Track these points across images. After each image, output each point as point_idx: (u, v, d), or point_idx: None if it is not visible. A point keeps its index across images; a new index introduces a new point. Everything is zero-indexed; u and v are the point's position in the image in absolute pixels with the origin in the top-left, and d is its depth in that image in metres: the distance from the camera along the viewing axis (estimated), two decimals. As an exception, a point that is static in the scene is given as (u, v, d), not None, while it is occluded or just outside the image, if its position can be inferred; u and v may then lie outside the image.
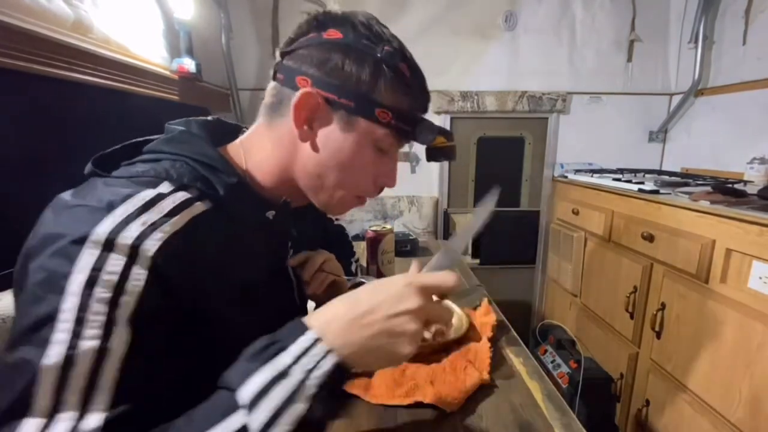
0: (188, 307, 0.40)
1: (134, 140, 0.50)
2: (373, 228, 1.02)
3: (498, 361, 0.63)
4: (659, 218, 1.35)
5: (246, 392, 0.34)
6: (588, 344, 1.78)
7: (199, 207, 0.43)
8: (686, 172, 1.95)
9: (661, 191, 1.40)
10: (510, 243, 2.24)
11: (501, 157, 2.19)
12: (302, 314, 0.41)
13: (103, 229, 0.37)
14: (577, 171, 2.05)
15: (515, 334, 0.73)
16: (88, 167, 0.45)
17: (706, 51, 1.82)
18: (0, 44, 0.73)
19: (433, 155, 0.57)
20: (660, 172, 1.96)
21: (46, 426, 0.32)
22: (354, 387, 0.55)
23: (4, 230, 0.71)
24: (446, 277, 0.42)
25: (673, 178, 1.65)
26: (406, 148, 2.17)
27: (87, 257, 0.35)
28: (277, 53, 0.51)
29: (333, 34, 0.47)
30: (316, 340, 0.37)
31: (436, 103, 2.05)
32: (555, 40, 2.03)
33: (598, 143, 2.15)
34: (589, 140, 2.14)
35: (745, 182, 1.52)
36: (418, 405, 0.52)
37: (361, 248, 1.14)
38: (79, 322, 0.34)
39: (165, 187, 0.42)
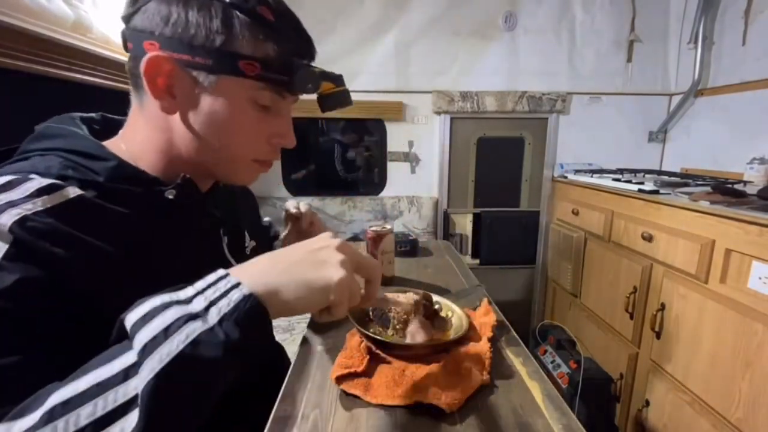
0: (74, 287, 0.37)
1: (12, 146, 0.46)
2: (373, 228, 1.02)
3: (498, 361, 0.63)
4: (659, 218, 1.35)
5: (135, 314, 0.31)
6: (588, 344, 1.78)
7: (69, 192, 0.38)
8: (686, 173, 1.95)
9: (661, 191, 1.40)
10: (510, 243, 2.24)
11: (501, 158, 2.19)
12: None
13: None
14: (576, 171, 2.05)
15: (515, 334, 0.73)
16: None
17: (705, 51, 1.82)
18: (0, 44, 0.73)
19: (324, 104, 0.50)
20: (660, 173, 1.96)
21: None
22: (354, 387, 0.55)
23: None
24: (373, 260, 0.40)
25: (673, 179, 1.65)
26: (405, 149, 2.15)
27: None
28: (121, 17, 0.44)
29: None
30: (225, 275, 0.33)
31: (436, 103, 2.05)
32: (555, 40, 2.04)
33: (598, 143, 2.15)
34: (588, 140, 2.14)
35: (745, 182, 1.52)
36: (418, 405, 0.52)
37: (360, 248, 1.14)
38: None
39: (32, 177, 0.39)
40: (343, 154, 2.33)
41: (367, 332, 0.62)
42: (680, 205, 1.26)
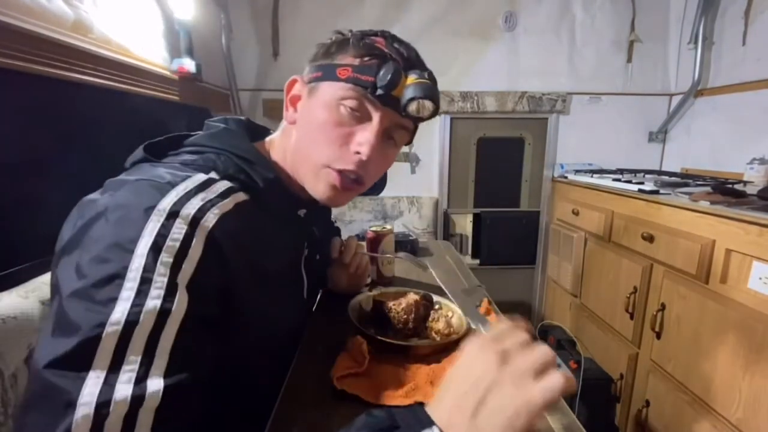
0: (231, 285, 0.42)
1: (176, 134, 0.53)
2: (373, 228, 1.02)
3: (498, 361, 0.63)
4: (659, 219, 1.35)
5: None
6: (588, 345, 1.78)
7: (242, 195, 0.46)
8: (686, 173, 1.95)
9: (661, 191, 1.40)
10: (510, 243, 2.23)
11: (501, 158, 2.19)
12: (308, 312, 0.43)
13: (168, 200, 0.39)
14: (577, 171, 2.04)
15: (515, 334, 0.73)
16: (139, 153, 0.47)
17: (705, 51, 1.82)
18: (0, 44, 0.73)
19: (409, 95, 0.50)
20: (660, 173, 1.96)
21: (107, 383, 0.32)
22: (354, 387, 0.55)
23: (3, 230, 0.71)
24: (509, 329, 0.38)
25: (673, 179, 1.65)
26: (405, 149, 2.17)
27: (153, 224, 0.37)
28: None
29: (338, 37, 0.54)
30: (429, 423, 0.33)
31: (436, 104, 2.04)
32: (555, 40, 2.04)
33: (598, 144, 2.15)
34: (589, 141, 2.14)
35: (745, 183, 1.52)
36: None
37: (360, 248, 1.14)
38: (144, 282, 0.35)
39: (213, 175, 0.46)
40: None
41: (367, 333, 0.62)
42: (680, 205, 1.26)
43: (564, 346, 1.74)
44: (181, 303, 0.36)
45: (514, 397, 0.31)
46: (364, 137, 0.50)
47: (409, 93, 0.50)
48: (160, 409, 0.33)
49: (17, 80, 0.78)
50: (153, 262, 0.36)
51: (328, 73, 0.49)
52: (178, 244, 0.38)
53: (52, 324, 0.34)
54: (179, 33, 1.39)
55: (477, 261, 2.24)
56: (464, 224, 2.26)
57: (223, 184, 0.45)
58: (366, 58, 0.49)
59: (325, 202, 0.55)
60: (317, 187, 0.53)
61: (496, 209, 2.21)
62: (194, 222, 0.40)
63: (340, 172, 0.51)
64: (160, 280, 0.36)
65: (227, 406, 0.49)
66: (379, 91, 0.48)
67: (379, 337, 0.62)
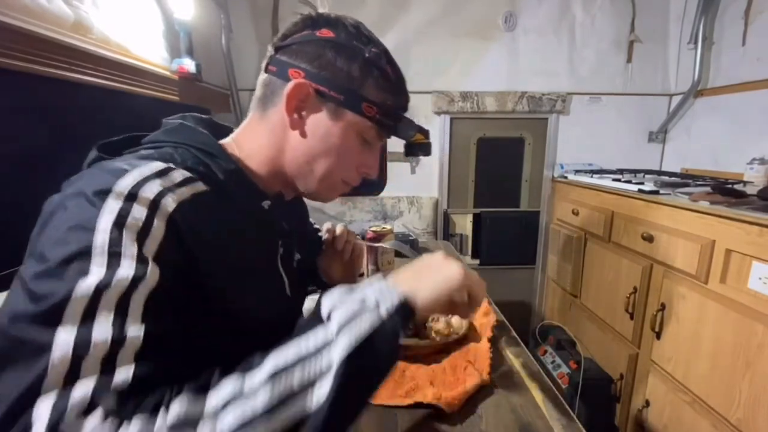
0: (194, 271, 0.42)
1: (134, 133, 0.52)
2: (373, 228, 1.02)
3: (498, 361, 0.63)
4: (659, 219, 1.35)
5: (326, 305, 0.39)
6: (588, 345, 1.78)
7: (201, 186, 0.45)
8: (686, 173, 1.95)
9: (661, 192, 1.40)
10: (510, 243, 2.24)
11: (501, 158, 2.19)
12: (297, 310, 0.45)
13: (125, 183, 0.39)
14: (576, 171, 2.05)
15: (515, 334, 0.73)
16: (93, 153, 0.47)
17: (705, 52, 1.82)
18: (0, 44, 0.73)
19: (411, 150, 0.65)
20: (660, 173, 1.96)
21: (83, 328, 0.31)
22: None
23: (3, 230, 0.71)
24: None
25: (673, 179, 1.65)
26: (399, 148, 2.16)
27: (112, 204, 0.37)
28: (270, 47, 0.54)
29: (326, 33, 0.51)
30: (385, 281, 0.42)
31: (436, 104, 2.05)
32: (555, 40, 2.04)
33: (598, 144, 2.15)
34: (588, 141, 2.14)
35: (745, 183, 1.52)
36: (418, 405, 0.52)
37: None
38: (113, 255, 0.35)
39: (171, 165, 0.45)
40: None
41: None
42: (680, 205, 1.26)
43: (564, 346, 1.74)
44: (153, 273, 0.36)
45: (448, 268, 0.46)
46: (372, 161, 0.58)
47: (414, 148, 0.60)
48: (141, 353, 0.33)
49: (17, 80, 0.78)
50: (119, 236, 0.36)
51: (351, 102, 0.51)
52: (140, 223, 0.37)
53: (14, 300, 0.34)
54: (179, 33, 1.39)
55: (477, 261, 2.24)
56: (464, 224, 2.26)
57: (181, 174, 0.44)
58: (387, 101, 0.53)
59: (319, 200, 0.60)
60: (325, 194, 0.58)
61: (496, 209, 2.21)
62: (153, 205, 0.39)
63: (349, 184, 0.59)
64: (129, 253, 0.36)
65: None
66: (396, 137, 0.56)
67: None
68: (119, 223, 0.36)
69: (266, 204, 0.54)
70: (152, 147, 0.48)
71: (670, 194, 1.38)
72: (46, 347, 0.30)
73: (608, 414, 1.58)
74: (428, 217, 2.15)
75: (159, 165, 0.43)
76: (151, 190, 0.40)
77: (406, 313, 0.41)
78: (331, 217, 2.09)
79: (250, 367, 0.35)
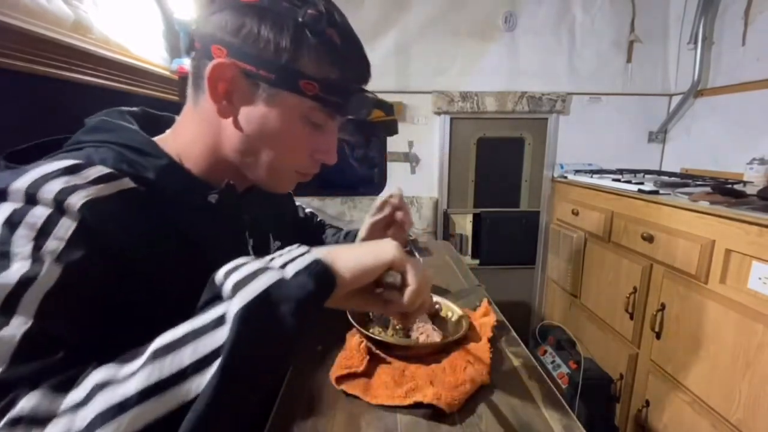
0: (124, 276, 0.38)
1: (51, 138, 0.47)
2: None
3: (498, 361, 0.63)
4: (659, 219, 1.35)
5: (225, 267, 0.35)
6: (588, 345, 1.78)
7: (127, 182, 0.40)
8: (686, 173, 1.95)
9: (661, 192, 1.40)
10: (510, 243, 2.23)
11: (501, 158, 2.19)
12: None
13: (21, 182, 0.35)
14: (576, 171, 2.05)
15: (515, 334, 0.73)
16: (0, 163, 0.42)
17: (705, 52, 1.82)
18: (0, 44, 0.73)
19: (370, 130, 0.54)
20: (660, 173, 1.96)
21: None
22: (354, 387, 0.55)
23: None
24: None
25: (673, 179, 1.65)
26: (405, 149, 2.15)
27: (6, 207, 0.34)
28: (195, 17, 0.48)
29: None
30: (296, 246, 0.38)
31: (436, 104, 2.05)
32: (555, 40, 2.04)
33: (598, 144, 2.15)
34: (588, 141, 2.14)
35: (745, 183, 1.52)
36: (418, 405, 0.52)
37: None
38: (1, 256, 0.32)
39: (83, 163, 0.40)
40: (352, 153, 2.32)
41: (367, 332, 0.62)
42: (680, 205, 1.26)
43: (564, 346, 1.74)
44: (49, 273, 0.33)
45: (381, 247, 0.40)
46: (328, 145, 0.50)
47: (375, 128, 0.52)
48: (17, 355, 0.30)
49: (17, 80, 0.78)
50: (8, 235, 0.33)
51: (286, 81, 0.43)
52: (40, 222, 0.34)
53: None
54: (179, 33, 1.39)
55: (477, 261, 2.24)
56: (464, 224, 2.26)
57: (98, 170, 0.39)
58: (332, 74, 0.44)
59: (271, 190, 0.54)
60: (278, 186, 0.52)
61: (496, 209, 2.21)
62: (56, 204, 0.35)
63: (306, 174, 0.52)
64: (19, 252, 0.33)
65: None
66: (348, 116, 0.48)
67: (379, 338, 0.62)
68: (11, 222, 0.33)
69: (213, 198, 0.47)
70: (71, 149, 0.43)
71: (670, 194, 1.38)
72: None
73: (608, 414, 1.58)
74: (428, 217, 2.15)
75: (67, 162, 0.38)
76: (51, 189, 0.35)
77: (319, 277, 0.35)
78: (331, 217, 2.09)
79: (135, 352, 0.32)
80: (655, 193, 1.40)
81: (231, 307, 0.31)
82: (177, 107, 0.50)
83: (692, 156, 1.97)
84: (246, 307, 0.31)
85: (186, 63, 1.36)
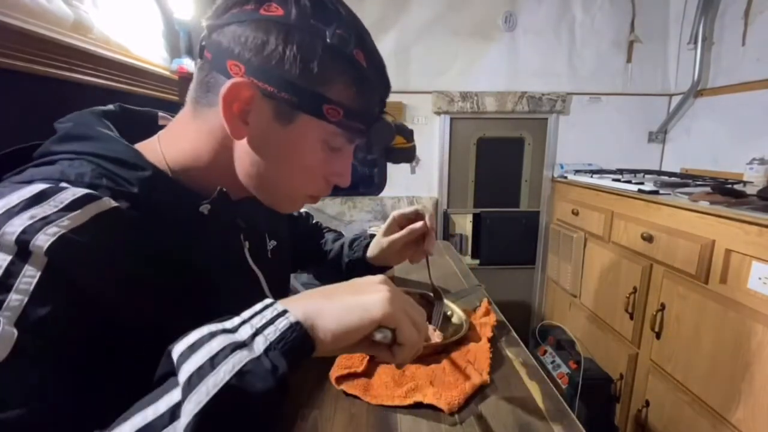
0: (107, 315, 0.34)
1: (19, 146, 0.42)
2: (373, 229, 1.02)
3: (498, 361, 0.63)
4: (659, 219, 1.36)
5: (181, 345, 0.30)
6: (588, 345, 1.78)
7: (106, 203, 0.36)
8: (686, 173, 1.95)
9: (661, 192, 1.40)
10: (510, 243, 2.24)
11: (501, 158, 2.19)
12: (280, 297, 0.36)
13: None
14: (576, 171, 2.05)
15: (515, 334, 0.73)
16: None
17: (705, 52, 1.82)
18: (0, 44, 0.73)
19: (391, 157, 0.50)
20: (659, 173, 1.96)
21: None
22: (354, 387, 0.55)
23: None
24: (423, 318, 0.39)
25: (673, 179, 1.65)
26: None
27: None
28: (204, 23, 0.42)
29: (273, 9, 0.39)
30: (271, 303, 0.33)
31: (436, 104, 2.05)
32: (555, 40, 2.04)
33: (598, 144, 2.15)
34: (588, 141, 2.14)
35: (745, 183, 1.52)
36: (418, 405, 0.52)
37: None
38: None
39: (62, 185, 0.36)
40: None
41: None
42: (680, 205, 1.26)
43: (564, 346, 1.74)
44: (4, 340, 0.28)
45: (370, 304, 0.35)
46: (343, 168, 0.47)
47: (395, 154, 0.48)
48: None
49: (17, 80, 0.78)
50: None
51: (308, 104, 0.40)
52: None
53: None
54: (179, 33, 1.39)
55: (477, 261, 2.24)
56: (464, 224, 2.26)
57: (72, 193, 0.34)
58: (356, 99, 0.42)
59: (281, 212, 0.51)
60: (287, 207, 0.50)
61: (496, 209, 2.21)
62: (21, 247, 0.30)
63: (316, 196, 0.49)
64: None
65: None
66: (370, 147, 0.46)
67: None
68: None
69: (205, 208, 0.44)
70: (42, 163, 0.39)
71: (669, 194, 1.38)
72: None
73: (608, 414, 1.58)
74: (428, 217, 2.15)
75: (37, 187, 0.33)
76: (12, 230, 0.30)
77: (295, 349, 0.31)
78: (331, 217, 2.09)
79: None
80: (655, 193, 1.40)
81: (187, 406, 0.27)
82: (177, 107, 0.49)
83: (692, 156, 1.97)
84: (203, 412, 0.26)
85: (186, 63, 1.36)
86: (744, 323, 1.04)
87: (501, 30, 2.01)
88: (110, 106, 0.48)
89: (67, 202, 0.33)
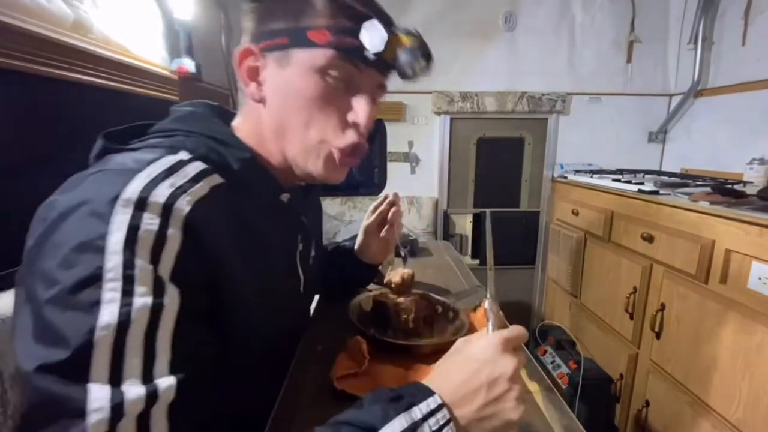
0: (218, 276, 0.40)
1: (141, 122, 0.49)
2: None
3: (498, 361, 0.63)
4: (659, 219, 1.35)
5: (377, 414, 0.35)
6: (588, 345, 1.78)
7: (217, 178, 0.42)
8: (686, 173, 1.95)
9: (661, 192, 1.40)
10: (510, 243, 2.24)
11: (501, 158, 2.19)
12: (306, 310, 0.43)
13: (133, 188, 0.35)
14: (576, 171, 2.05)
15: (515, 334, 0.73)
16: (99, 143, 0.44)
17: (705, 52, 1.82)
18: (0, 44, 0.73)
19: (402, 60, 0.45)
20: (659, 173, 1.96)
21: (114, 386, 0.30)
22: (354, 387, 0.55)
23: (4, 230, 0.71)
24: (520, 331, 0.42)
25: (673, 179, 1.65)
26: (405, 149, 2.13)
27: (121, 216, 0.34)
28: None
29: None
30: (441, 405, 0.36)
31: (436, 104, 2.05)
32: (555, 40, 2.04)
33: (598, 144, 2.15)
34: (588, 141, 2.14)
35: (745, 183, 1.52)
36: (418, 405, 0.52)
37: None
38: (128, 280, 0.32)
39: (184, 155, 0.42)
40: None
41: (367, 332, 0.62)
42: (680, 205, 1.26)
43: (564, 346, 1.74)
44: (172, 297, 0.34)
45: (508, 412, 0.37)
46: (360, 107, 0.47)
47: (406, 54, 0.45)
48: (174, 405, 0.32)
49: (17, 80, 0.78)
50: (131, 257, 0.33)
51: (296, 39, 0.43)
52: (153, 236, 0.35)
53: (30, 330, 0.31)
54: (179, 33, 1.39)
55: (477, 261, 2.24)
56: (464, 224, 2.26)
57: (194, 167, 0.40)
58: (343, 20, 0.42)
59: (323, 180, 0.51)
60: (316, 164, 0.49)
61: (496, 209, 2.21)
62: (166, 211, 0.36)
63: (342, 149, 0.48)
64: (144, 276, 0.33)
65: (226, 406, 0.48)
66: (370, 56, 0.43)
67: (379, 337, 0.62)
68: (130, 239, 0.33)
69: (285, 197, 0.49)
70: (162, 135, 0.45)
71: (669, 194, 1.38)
72: (80, 411, 0.29)
73: (608, 414, 1.58)
74: (428, 217, 2.15)
75: (169, 160, 0.40)
76: (161, 194, 0.36)
77: None
78: (331, 217, 2.09)
79: None
80: (655, 193, 1.40)
81: None
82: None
83: (692, 156, 1.97)
84: None
85: (186, 63, 1.36)
86: (744, 323, 1.04)
87: (501, 30, 2.01)
88: (212, 102, 0.54)
89: (192, 174, 0.40)
